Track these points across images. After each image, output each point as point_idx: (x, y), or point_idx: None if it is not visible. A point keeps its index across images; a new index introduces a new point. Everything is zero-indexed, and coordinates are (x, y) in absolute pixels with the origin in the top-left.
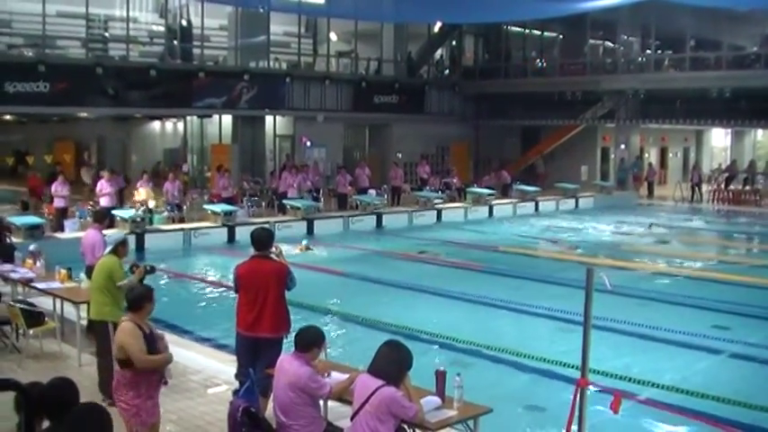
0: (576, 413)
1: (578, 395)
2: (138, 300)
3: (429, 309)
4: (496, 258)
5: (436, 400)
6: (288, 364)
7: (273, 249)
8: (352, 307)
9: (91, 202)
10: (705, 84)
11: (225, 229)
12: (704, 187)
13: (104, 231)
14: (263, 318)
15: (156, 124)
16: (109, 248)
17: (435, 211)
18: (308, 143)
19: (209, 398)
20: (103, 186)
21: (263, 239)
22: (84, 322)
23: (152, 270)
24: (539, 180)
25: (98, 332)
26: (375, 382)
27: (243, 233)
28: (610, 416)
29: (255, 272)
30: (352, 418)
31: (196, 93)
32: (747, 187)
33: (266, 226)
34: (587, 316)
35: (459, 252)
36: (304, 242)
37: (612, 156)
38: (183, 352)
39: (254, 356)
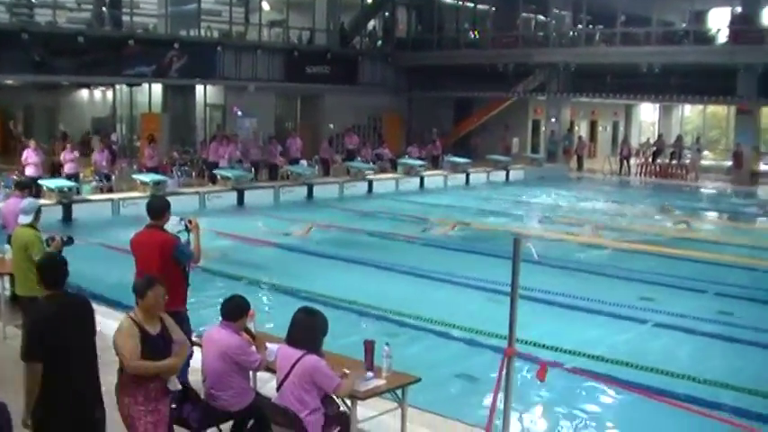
0: (503, 382)
1: (505, 364)
2: (140, 287)
3: (361, 280)
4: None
5: (370, 375)
6: (217, 335)
7: (189, 223)
8: (283, 278)
9: (16, 171)
10: (635, 59)
11: None
12: (632, 161)
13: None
14: None
15: (85, 92)
16: (29, 218)
17: (366, 182)
18: (239, 113)
19: None
20: (29, 155)
21: (154, 209)
22: (8, 293)
23: (69, 241)
24: (506, 152)
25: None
26: (296, 352)
27: (172, 203)
28: (537, 384)
29: (144, 242)
30: (277, 390)
31: (126, 61)
32: (674, 161)
33: (167, 196)
34: (514, 286)
35: (391, 224)
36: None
37: (543, 128)
38: (111, 323)
39: None
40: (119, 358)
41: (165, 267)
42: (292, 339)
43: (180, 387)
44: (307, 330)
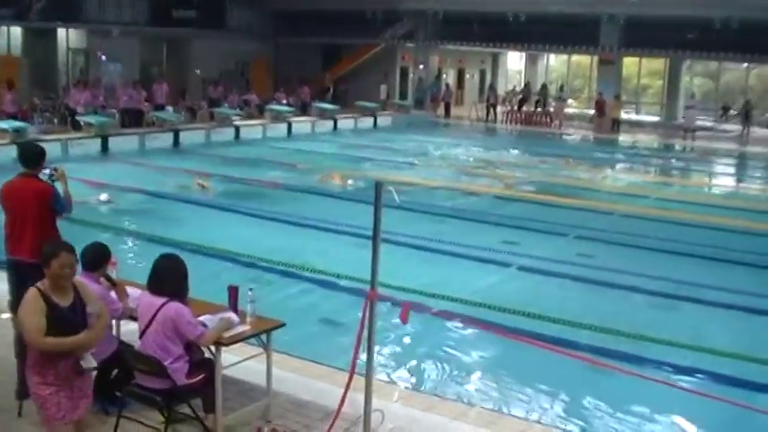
0: (367, 325)
1: (368, 307)
2: (45, 254)
3: (227, 227)
4: (295, 176)
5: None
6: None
7: (55, 172)
8: (148, 226)
9: None
10: (502, 8)
11: (14, 147)
12: (499, 108)
13: None
14: (23, 240)
15: None
16: None
17: (233, 129)
18: (103, 58)
19: None
20: None
21: (30, 155)
22: None
23: None
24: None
25: None
26: (159, 300)
27: None
28: (402, 327)
29: (17, 191)
30: (140, 338)
31: None
32: (539, 109)
33: (37, 142)
34: (376, 230)
35: (256, 170)
36: (200, 180)
37: (411, 76)
38: None
39: (21, 281)
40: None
41: (41, 218)
42: (154, 286)
43: (95, 364)
44: (168, 276)
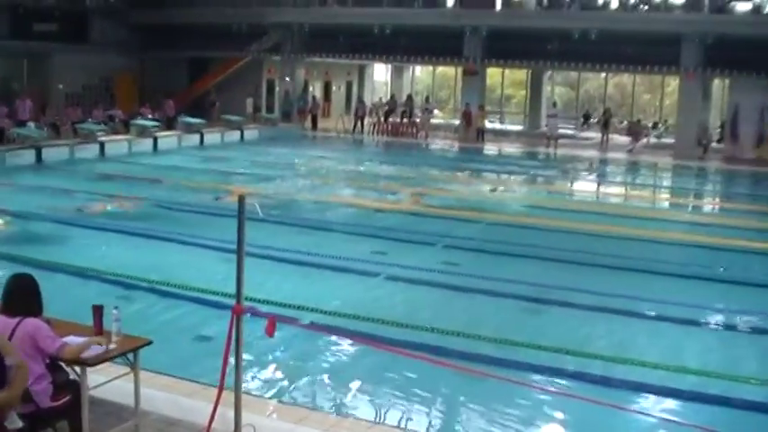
0: (234, 340)
1: (235, 322)
2: None
3: (93, 245)
4: (161, 192)
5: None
6: None
7: None
8: (11, 247)
9: None
10: (367, 20)
11: None
12: (366, 120)
13: None
14: None
15: None
16: None
17: (98, 144)
18: None
19: None
20: None
21: None
22: None
23: None
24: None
25: None
26: (13, 320)
27: None
28: (271, 340)
29: None
30: None
31: None
32: (405, 120)
33: None
34: (240, 243)
35: (122, 186)
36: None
37: (278, 88)
38: None
39: None
40: None
41: None
42: (6, 307)
43: (21, 424)
44: (19, 295)
